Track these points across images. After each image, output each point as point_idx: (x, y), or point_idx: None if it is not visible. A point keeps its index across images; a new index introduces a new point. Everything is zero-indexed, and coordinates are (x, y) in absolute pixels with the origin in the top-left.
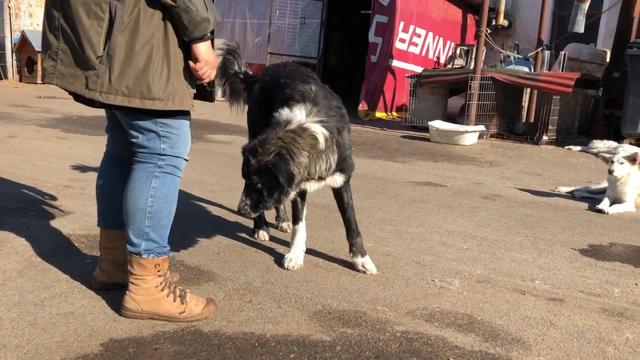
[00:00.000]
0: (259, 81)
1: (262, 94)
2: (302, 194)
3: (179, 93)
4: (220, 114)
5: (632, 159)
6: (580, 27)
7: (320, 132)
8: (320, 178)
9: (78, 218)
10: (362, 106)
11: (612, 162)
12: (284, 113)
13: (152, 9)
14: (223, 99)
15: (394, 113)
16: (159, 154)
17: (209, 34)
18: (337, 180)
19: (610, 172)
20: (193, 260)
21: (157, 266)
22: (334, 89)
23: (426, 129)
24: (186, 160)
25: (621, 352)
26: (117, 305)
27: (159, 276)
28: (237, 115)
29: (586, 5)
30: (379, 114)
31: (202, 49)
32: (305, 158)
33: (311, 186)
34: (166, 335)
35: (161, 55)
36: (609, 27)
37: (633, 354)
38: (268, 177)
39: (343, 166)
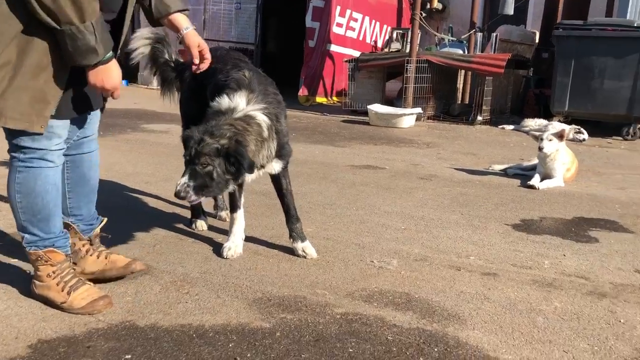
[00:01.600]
0: (190, 68)
1: (194, 80)
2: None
3: (13, 111)
4: (156, 103)
5: (559, 136)
6: (510, 9)
7: (263, 120)
8: (261, 166)
9: (4, 216)
10: (302, 91)
11: (542, 139)
12: (224, 102)
13: (16, 18)
14: (159, 88)
15: (334, 98)
16: (21, 147)
17: (107, 58)
18: (275, 167)
19: (540, 149)
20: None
21: (39, 259)
22: (274, 75)
23: (366, 113)
24: (54, 150)
25: (550, 320)
26: (45, 305)
27: (51, 265)
28: (170, 104)
29: None
30: (320, 99)
31: (91, 76)
32: (254, 147)
33: (250, 176)
34: (100, 332)
35: (9, 68)
36: (537, 9)
37: (561, 322)
38: (223, 160)
39: (281, 153)
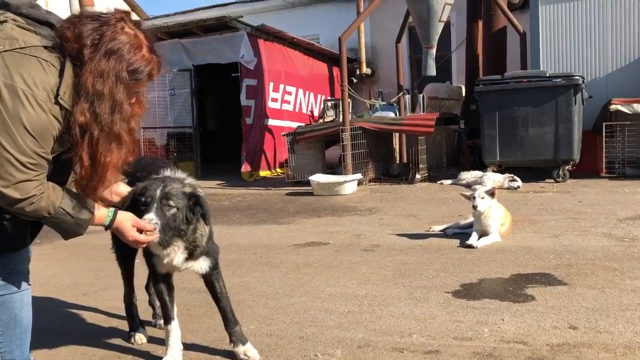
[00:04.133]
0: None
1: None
2: (170, 289)
3: None
4: None
5: (491, 193)
6: (432, 70)
7: (199, 191)
8: (192, 251)
9: None
10: (245, 167)
11: (474, 197)
12: (165, 172)
13: None
14: None
15: (278, 169)
16: None
17: (108, 223)
18: (203, 265)
19: (474, 207)
20: None
21: None
22: (217, 151)
23: (309, 183)
24: None
25: None
26: None
27: None
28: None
29: (434, 51)
30: (263, 173)
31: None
32: None
33: (179, 258)
34: None
35: None
36: (459, 64)
37: None
38: (186, 205)
39: (208, 246)
